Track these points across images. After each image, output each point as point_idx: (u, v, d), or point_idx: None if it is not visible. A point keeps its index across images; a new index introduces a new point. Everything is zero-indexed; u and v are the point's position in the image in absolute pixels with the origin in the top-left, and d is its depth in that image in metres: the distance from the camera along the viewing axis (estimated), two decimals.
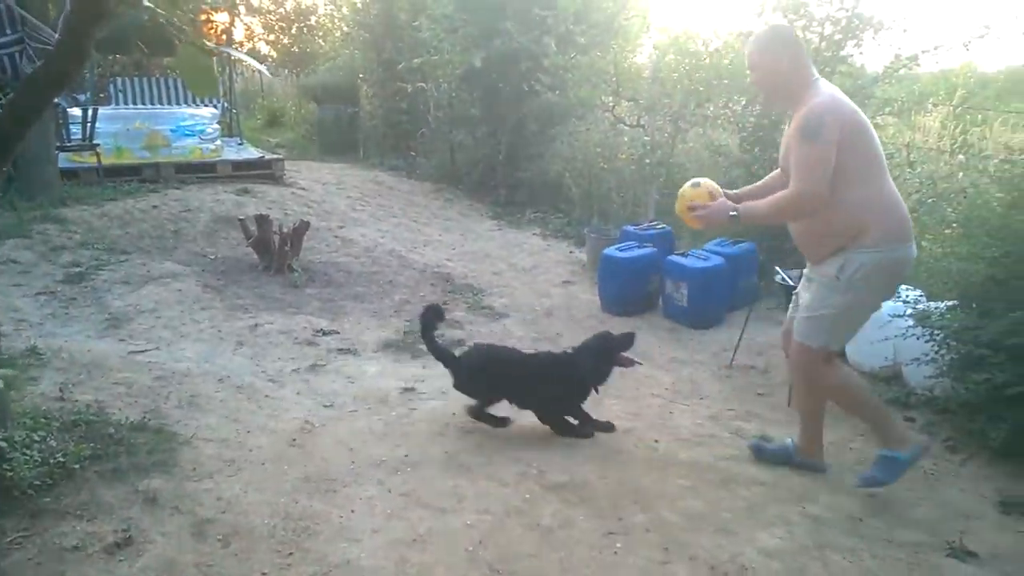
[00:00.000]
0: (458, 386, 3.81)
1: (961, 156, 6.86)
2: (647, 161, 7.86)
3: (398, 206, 9.38)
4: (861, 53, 6.29)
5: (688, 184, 3.36)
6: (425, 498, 3.11)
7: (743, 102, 7.30)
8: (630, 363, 3.79)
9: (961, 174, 5.79)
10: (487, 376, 3.77)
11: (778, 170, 3.42)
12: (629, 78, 8.57)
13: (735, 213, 3.13)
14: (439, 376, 4.52)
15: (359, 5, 13.12)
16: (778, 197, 3.06)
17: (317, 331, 5.17)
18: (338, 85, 14.50)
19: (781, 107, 3.28)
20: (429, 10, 10.10)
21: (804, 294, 3.27)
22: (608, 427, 3.79)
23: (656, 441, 3.80)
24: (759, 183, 3.53)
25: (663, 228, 6.85)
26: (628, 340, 3.79)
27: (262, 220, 6.36)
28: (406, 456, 3.45)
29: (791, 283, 4.49)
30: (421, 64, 10.44)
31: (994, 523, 3.15)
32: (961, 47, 5.74)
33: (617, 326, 5.74)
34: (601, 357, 3.74)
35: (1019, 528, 3.10)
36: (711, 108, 7.77)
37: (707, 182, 3.32)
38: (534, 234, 8.79)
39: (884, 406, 3.30)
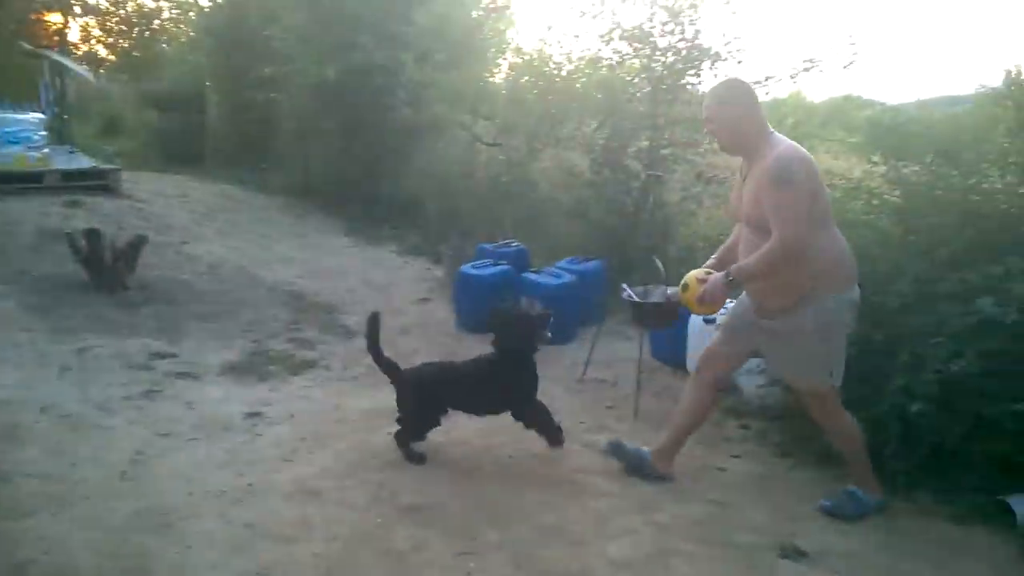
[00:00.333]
0: (403, 402, 3.72)
1: None
2: (503, 179, 7.98)
3: (247, 221, 9.00)
4: (700, 83, 6.67)
5: (680, 290, 3.34)
6: (270, 528, 2.97)
7: (594, 125, 7.55)
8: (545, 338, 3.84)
9: None
10: (439, 393, 3.71)
11: (737, 226, 3.46)
12: (487, 97, 8.68)
13: (731, 278, 3.12)
14: (287, 399, 4.38)
15: (206, 10, 12.59)
16: (765, 250, 3.01)
17: (153, 354, 4.85)
18: (184, 92, 13.81)
19: (736, 155, 3.28)
20: (281, 19, 9.82)
21: (772, 350, 3.33)
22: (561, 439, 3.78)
23: (510, 457, 3.82)
24: (728, 244, 3.52)
25: (518, 246, 6.95)
26: (545, 318, 3.84)
27: (92, 234, 5.91)
28: (250, 485, 3.29)
29: (636, 299, 4.66)
30: (273, 74, 10.13)
31: (822, 523, 3.36)
32: (788, 79, 6.21)
33: (474, 343, 5.77)
34: (523, 327, 3.77)
35: (843, 527, 3.33)
36: (565, 129, 7.98)
37: (688, 279, 3.30)
38: (391, 251, 8.69)
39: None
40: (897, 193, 3.96)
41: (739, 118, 3.10)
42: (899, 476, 3.61)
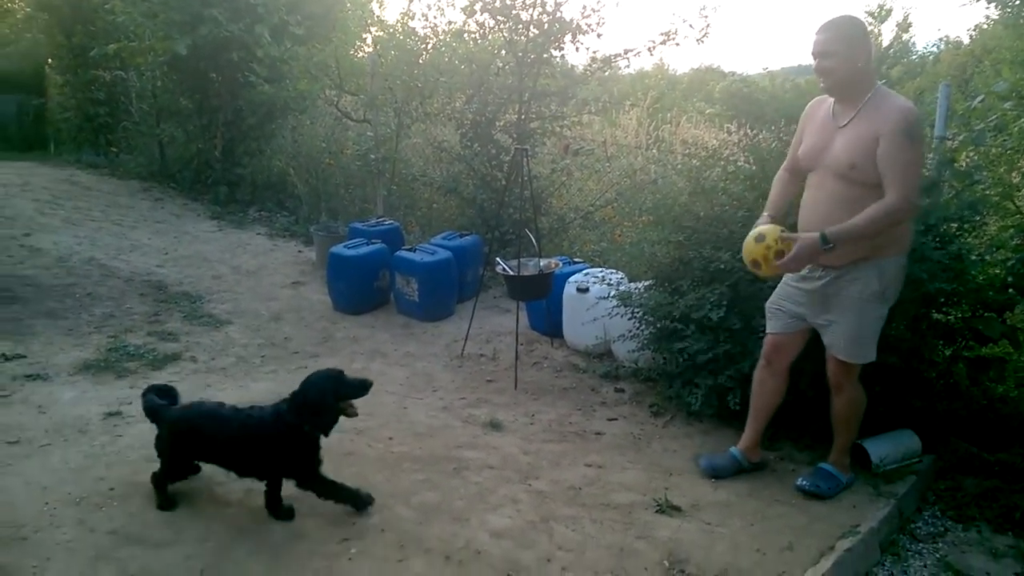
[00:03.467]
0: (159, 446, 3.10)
1: (654, 150, 7.65)
2: (373, 157, 7.82)
3: (98, 208, 8.41)
4: (563, 56, 6.73)
5: (752, 241, 3.06)
6: (136, 533, 2.81)
7: (463, 99, 7.50)
8: (353, 413, 3.03)
9: (653, 167, 6.46)
10: (193, 438, 3.02)
11: (783, 175, 3.33)
12: (352, 72, 8.43)
13: (830, 244, 2.87)
14: None
15: None
16: (879, 210, 2.82)
17: None
18: (20, 72, 12.75)
19: (839, 97, 3.04)
20: None
21: (826, 314, 3.16)
22: (367, 500, 3.09)
23: (390, 438, 3.79)
24: (778, 195, 3.32)
25: (391, 224, 6.87)
26: (363, 388, 3.03)
27: None
28: (111, 489, 3.10)
29: (510, 272, 4.70)
30: (118, 50, 9.45)
31: (694, 477, 3.54)
32: (646, 51, 6.37)
33: (350, 325, 5.69)
34: (323, 403, 2.94)
35: (713, 480, 3.51)
36: (434, 103, 7.89)
37: (767, 231, 3.04)
38: (259, 234, 8.36)
39: None
40: (751, 160, 4.13)
41: (863, 60, 2.93)
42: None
